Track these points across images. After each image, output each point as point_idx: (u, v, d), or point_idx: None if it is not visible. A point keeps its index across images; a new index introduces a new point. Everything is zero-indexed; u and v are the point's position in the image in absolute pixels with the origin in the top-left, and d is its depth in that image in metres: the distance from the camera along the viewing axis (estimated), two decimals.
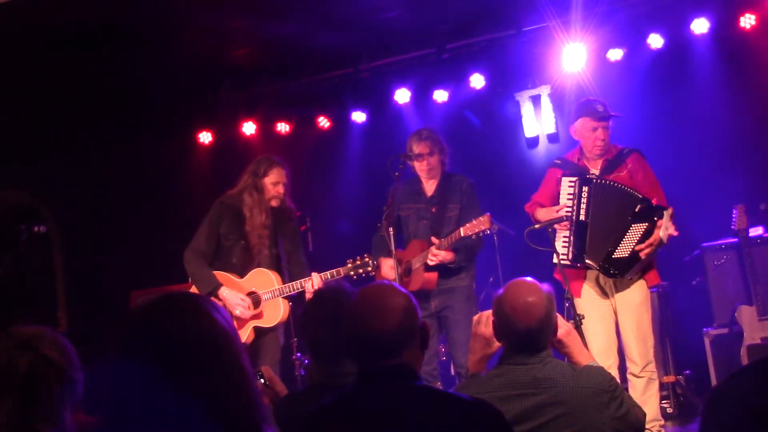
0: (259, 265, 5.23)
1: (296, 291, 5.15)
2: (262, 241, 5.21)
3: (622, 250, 4.72)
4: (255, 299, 5.19)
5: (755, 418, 0.77)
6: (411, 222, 5.44)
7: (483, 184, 5.70)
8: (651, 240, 4.67)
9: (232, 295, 5.15)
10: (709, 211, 6.28)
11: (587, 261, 4.84)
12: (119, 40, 6.46)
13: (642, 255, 4.69)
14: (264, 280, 5.21)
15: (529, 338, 2.69)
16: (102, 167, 7.32)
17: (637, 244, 4.69)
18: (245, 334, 5.17)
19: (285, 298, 5.21)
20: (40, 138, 6.93)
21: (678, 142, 6.66)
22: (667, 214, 4.65)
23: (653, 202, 4.71)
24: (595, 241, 4.82)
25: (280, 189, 5.26)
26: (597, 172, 4.97)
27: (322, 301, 2.86)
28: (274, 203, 5.27)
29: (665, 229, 4.64)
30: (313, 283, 5.07)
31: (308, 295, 5.05)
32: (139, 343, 1.54)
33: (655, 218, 4.64)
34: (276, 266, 5.29)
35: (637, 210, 4.66)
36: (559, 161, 5.16)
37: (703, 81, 6.56)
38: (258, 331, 5.25)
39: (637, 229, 4.69)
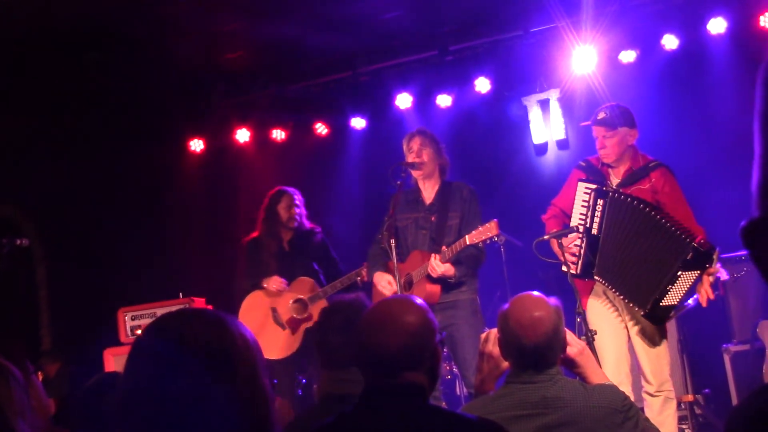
0: (293, 278, 5.92)
1: (349, 282, 5.79)
2: (276, 258, 5.96)
3: (671, 299, 4.48)
4: (302, 303, 5.89)
5: None
6: (409, 232, 5.27)
7: (489, 194, 5.62)
8: (706, 288, 4.39)
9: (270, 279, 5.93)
10: (727, 219, 6.03)
11: (596, 278, 4.65)
12: (110, 44, 6.44)
13: (704, 304, 4.46)
14: (307, 286, 5.93)
15: (537, 355, 2.65)
16: (89, 177, 7.30)
17: (686, 293, 4.47)
18: (299, 338, 5.87)
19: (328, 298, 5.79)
20: (25, 147, 6.89)
21: (694, 147, 6.60)
22: (716, 256, 4.40)
23: (698, 238, 4.39)
24: (608, 259, 4.61)
25: (293, 211, 6.01)
26: (618, 180, 4.76)
27: (339, 308, 2.88)
28: (291, 224, 6.01)
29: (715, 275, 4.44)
30: (365, 272, 5.57)
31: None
32: (153, 351, 1.50)
33: (707, 264, 4.38)
34: (314, 278, 5.98)
35: (688, 258, 4.37)
36: (583, 163, 4.96)
37: (720, 83, 6.54)
38: (308, 333, 5.87)
39: (688, 278, 4.42)
